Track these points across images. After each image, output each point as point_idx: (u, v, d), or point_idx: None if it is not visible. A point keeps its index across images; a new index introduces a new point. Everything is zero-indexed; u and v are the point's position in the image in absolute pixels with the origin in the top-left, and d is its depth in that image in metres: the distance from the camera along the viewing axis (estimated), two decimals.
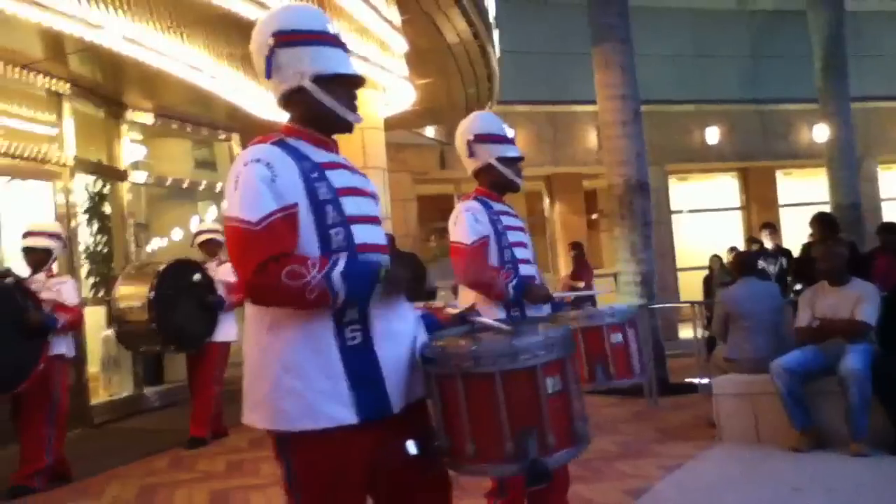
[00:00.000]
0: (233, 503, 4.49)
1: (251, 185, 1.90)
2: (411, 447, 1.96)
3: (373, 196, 2.17)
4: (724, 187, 17.17)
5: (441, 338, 2.13)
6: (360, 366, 1.93)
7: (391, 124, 9.69)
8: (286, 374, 1.91)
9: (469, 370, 1.90)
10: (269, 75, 2.06)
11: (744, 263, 6.11)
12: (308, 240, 1.93)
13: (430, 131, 13.28)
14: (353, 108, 2.11)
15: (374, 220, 2.11)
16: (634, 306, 3.87)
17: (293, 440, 1.93)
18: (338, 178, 2.03)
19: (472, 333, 2.21)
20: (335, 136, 2.15)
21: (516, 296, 3.29)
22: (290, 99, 2.08)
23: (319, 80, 2.03)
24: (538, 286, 3.36)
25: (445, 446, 1.97)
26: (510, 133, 3.46)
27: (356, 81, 2.13)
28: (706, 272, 11.79)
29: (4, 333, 4.54)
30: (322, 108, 2.05)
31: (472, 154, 3.43)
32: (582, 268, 10.97)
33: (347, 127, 2.13)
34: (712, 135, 15.68)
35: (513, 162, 3.44)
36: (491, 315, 2.84)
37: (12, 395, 4.84)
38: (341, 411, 1.89)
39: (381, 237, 2.13)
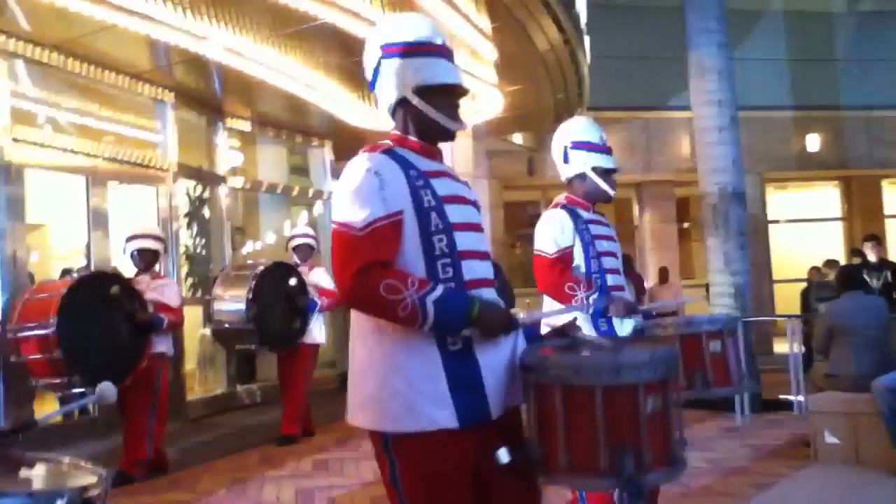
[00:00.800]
0: (319, 501, 4.59)
1: (359, 191, 1.97)
2: (503, 455, 1.96)
3: (475, 204, 2.20)
4: (825, 197, 16.46)
5: (542, 347, 2.13)
6: (461, 371, 1.97)
7: (480, 131, 9.73)
8: (391, 375, 1.96)
9: (570, 381, 1.89)
10: (372, 86, 2.14)
11: (848, 276, 5.85)
12: (412, 246, 1.98)
13: (518, 138, 13.25)
14: (456, 117, 2.15)
15: (476, 228, 2.14)
16: (734, 315, 3.76)
17: (396, 441, 1.97)
18: (442, 187, 2.08)
19: (572, 346, 2.19)
20: (440, 145, 2.19)
21: (598, 309, 3.24)
22: (396, 109, 2.14)
23: (422, 90, 2.08)
24: (622, 298, 3.31)
25: (538, 455, 1.96)
26: (607, 142, 3.42)
27: (458, 90, 2.16)
28: (803, 285, 11.32)
29: (115, 333, 4.77)
30: (425, 119, 2.10)
31: (567, 160, 3.40)
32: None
33: (450, 136, 2.17)
34: (813, 142, 15.06)
35: (608, 173, 3.40)
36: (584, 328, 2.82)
37: (119, 388, 5.09)
38: (442, 414, 1.93)
39: (483, 244, 2.16)
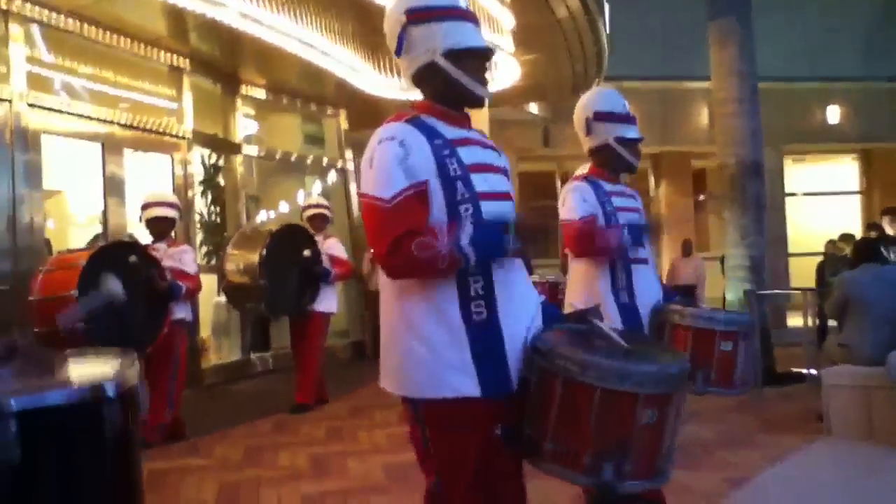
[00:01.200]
0: (332, 467, 4.64)
1: (385, 163, 1.96)
2: (499, 430, 1.98)
3: (504, 171, 2.18)
4: (844, 170, 16.28)
5: (556, 331, 2.12)
6: (485, 341, 1.97)
7: (495, 101, 9.65)
8: (416, 343, 1.98)
9: (572, 375, 1.89)
10: (399, 53, 2.10)
11: (865, 249, 5.79)
12: (438, 215, 1.98)
13: (533, 108, 13.15)
14: (484, 82, 2.12)
15: (504, 196, 2.12)
16: (749, 317, 3.75)
17: (425, 407, 1.99)
18: (468, 155, 2.06)
19: (587, 336, 2.17)
20: (468, 111, 2.17)
21: (618, 290, 3.23)
22: (423, 75, 2.11)
23: (450, 55, 2.05)
24: (645, 226, 3.32)
25: (527, 436, 1.97)
26: (631, 112, 3.38)
27: (486, 54, 2.14)
28: (819, 259, 11.24)
29: (135, 302, 4.79)
30: (454, 83, 2.07)
31: (589, 132, 3.36)
32: None
33: (479, 101, 2.14)
34: (833, 114, 14.86)
35: (631, 143, 3.36)
36: (604, 313, 2.82)
37: (140, 356, 5.15)
38: (466, 383, 1.95)
39: (511, 212, 2.14)
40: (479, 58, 2.12)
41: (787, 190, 15.33)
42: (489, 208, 2.03)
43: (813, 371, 6.63)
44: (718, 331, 3.16)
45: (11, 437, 1.34)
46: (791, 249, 14.81)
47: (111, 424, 1.48)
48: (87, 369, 1.77)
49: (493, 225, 1.97)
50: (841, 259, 10.26)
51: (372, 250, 2.04)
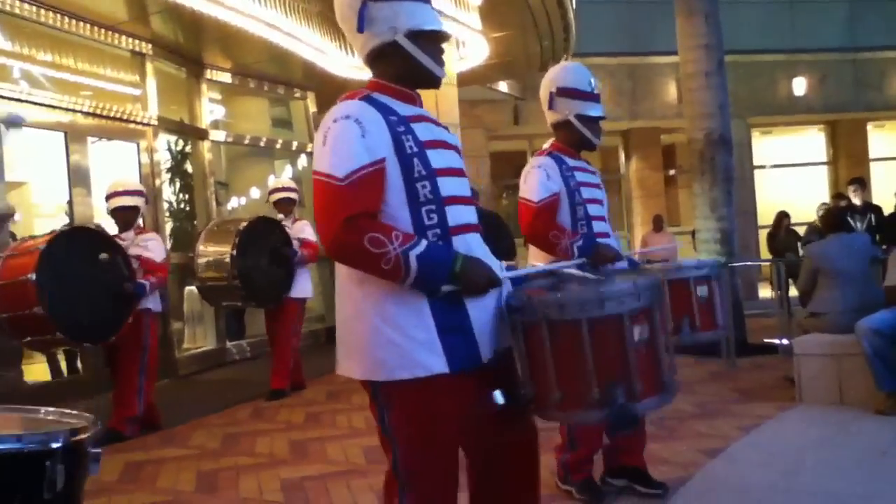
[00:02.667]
0: (311, 452, 4.63)
1: (340, 141, 1.94)
2: (498, 397, 1.99)
3: (456, 149, 2.18)
4: (811, 141, 16.46)
5: (527, 288, 2.13)
6: (449, 316, 1.97)
7: (464, 80, 9.61)
8: (380, 325, 1.96)
9: (554, 318, 1.90)
10: (361, 29, 2.07)
11: (833, 218, 5.87)
12: (395, 193, 1.96)
13: (503, 86, 13.11)
14: (441, 63, 2.14)
15: (459, 173, 2.13)
16: (721, 260, 3.80)
17: (389, 389, 1.98)
18: (423, 132, 2.05)
19: (555, 284, 2.19)
20: (419, 91, 2.17)
21: (582, 256, 3.24)
22: (381, 53, 2.10)
23: (412, 35, 2.05)
24: (606, 247, 3.30)
25: (531, 394, 1.98)
26: (597, 90, 3.37)
27: (444, 37, 2.16)
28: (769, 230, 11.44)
29: (99, 289, 4.72)
30: (413, 63, 2.08)
31: (552, 106, 3.37)
32: None
33: (436, 82, 2.15)
34: (800, 86, 15.00)
35: (593, 121, 3.36)
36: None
37: (106, 345, 5.07)
38: (435, 361, 1.94)
39: (467, 189, 2.15)
40: (437, 40, 2.13)
41: (755, 162, 15.47)
42: (446, 185, 2.02)
43: (784, 341, 6.73)
44: (692, 278, 3.21)
45: None
46: (761, 221, 14.99)
47: (51, 480, 1.42)
48: (39, 423, 1.70)
49: (445, 259, 1.93)
50: (788, 230, 10.52)
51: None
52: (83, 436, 1.49)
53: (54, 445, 1.43)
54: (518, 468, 2.12)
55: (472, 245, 2.05)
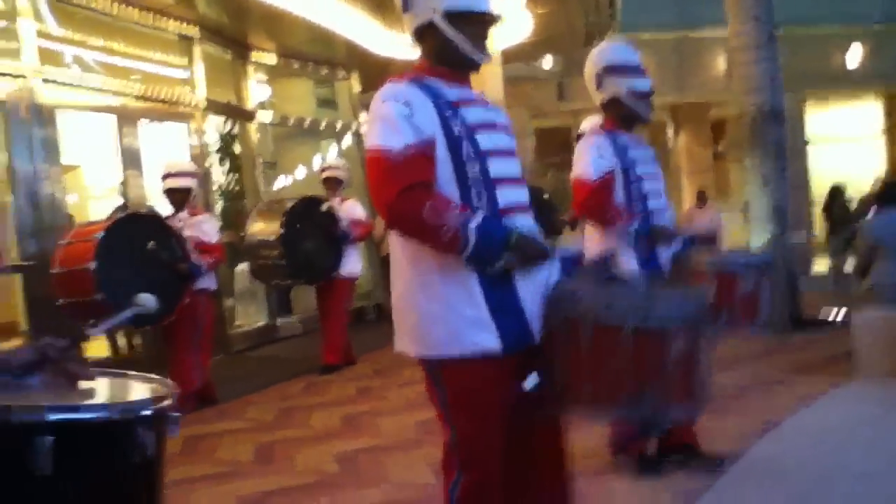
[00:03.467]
0: (363, 426, 4.69)
1: (390, 119, 1.95)
2: (529, 381, 1.98)
3: (506, 129, 2.16)
4: (866, 113, 15.99)
5: (575, 280, 2.12)
6: (501, 296, 1.97)
7: (508, 57, 9.53)
8: (432, 303, 1.97)
9: (599, 317, 1.90)
10: (405, 8, 2.08)
11: (889, 191, 5.73)
12: (444, 173, 1.97)
13: (547, 63, 12.98)
14: (482, 48, 2.09)
15: (509, 154, 2.11)
16: (769, 255, 3.75)
17: (443, 366, 1.99)
18: (471, 114, 2.04)
19: (604, 281, 2.18)
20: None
21: (638, 239, 3.21)
22: (422, 34, 2.09)
23: (451, 16, 2.02)
24: (662, 228, 3.28)
25: (562, 385, 1.97)
26: (643, 64, 3.33)
27: (489, 19, 2.10)
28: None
29: (155, 271, 4.81)
30: (451, 46, 2.05)
31: (600, 86, 3.33)
32: None
33: (475, 66, 2.12)
34: (854, 57, 14.54)
35: (643, 95, 3.32)
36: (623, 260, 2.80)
37: (163, 326, 5.18)
38: (486, 339, 1.95)
39: (517, 170, 2.14)
40: (480, 21, 2.08)
41: (807, 136, 15.09)
42: (495, 166, 2.02)
43: (840, 315, 6.59)
44: (738, 272, 3.16)
45: (45, 449, 1.32)
46: (813, 196, 14.64)
47: (141, 445, 1.45)
48: (123, 388, 1.74)
49: (501, 232, 1.94)
50: (842, 204, 10.24)
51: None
52: (167, 401, 1.52)
53: (144, 412, 1.46)
54: (545, 446, 2.12)
55: (523, 227, 2.04)
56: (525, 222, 2.06)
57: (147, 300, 2.01)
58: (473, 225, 1.87)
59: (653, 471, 3.38)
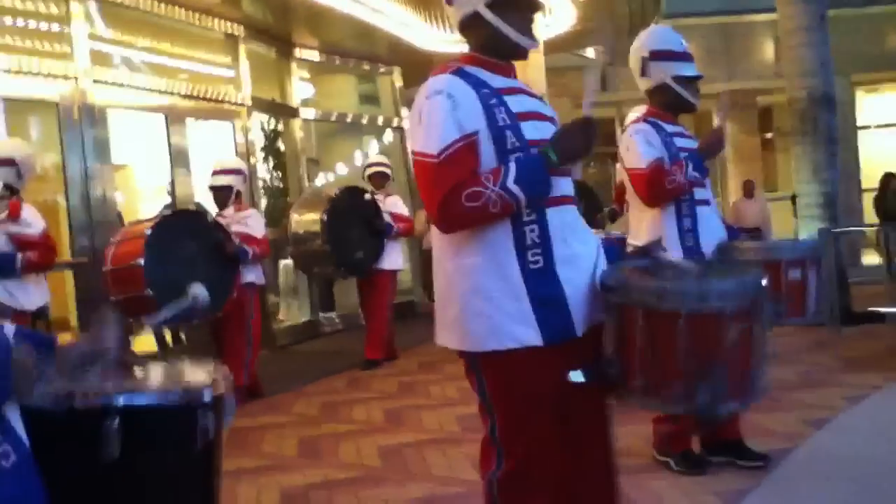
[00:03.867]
0: (406, 420, 4.73)
1: (432, 116, 1.95)
2: (577, 375, 1.96)
3: (552, 120, 2.14)
4: None
5: (624, 268, 2.09)
6: (544, 288, 1.95)
7: (551, 46, 9.46)
8: (474, 296, 1.97)
9: (653, 305, 1.85)
10: (450, 1, 2.08)
11: None
12: (489, 165, 1.95)
13: (590, 52, 12.84)
14: (529, 34, 2.07)
15: None
16: (818, 241, 3.65)
17: (484, 360, 1.99)
18: (516, 104, 2.03)
19: (653, 268, 2.13)
20: (513, 62, 2.13)
21: (683, 229, 3.17)
22: (468, 25, 2.08)
23: (495, 5, 2.01)
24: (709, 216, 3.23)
25: (615, 375, 1.95)
26: (689, 50, 3.27)
27: (534, 5, 2.09)
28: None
29: (204, 267, 4.91)
30: (496, 34, 2.04)
31: (645, 73, 3.28)
32: None
33: (523, 54, 2.10)
34: None
35: (690, 81, 3.26)
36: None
37: (213, 319, 5.28)
38: (527, 332, 1.94)
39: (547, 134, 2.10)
40: (525, 8, 2.07)
41: (858, 122, 14.68)
42: None
43: (893, 309, 6.42)
44: (784, 259, 3.09)
45: (113, 432, 1.38)
46: (864, 184, 14.25)
47: (204, 429, 1.51)
48: (180, 374, 1.81)
49: (531, 157, 1.93)
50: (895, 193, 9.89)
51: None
52: (225, 386, 1.59)
53: (206, 399, 1.52)
54: (592, 438, 2.09)
55: (568, 218, 2.02)
56: (571, 213, 2.05)
57: (200, 291, 2.09)
58: (511, 180, 1.87)
59: (697, 469, 3.33)
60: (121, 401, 1.41)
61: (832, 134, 7.63)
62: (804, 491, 3.17)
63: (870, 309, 7.04)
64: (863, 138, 14.73)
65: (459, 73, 2.02)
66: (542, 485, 2.01)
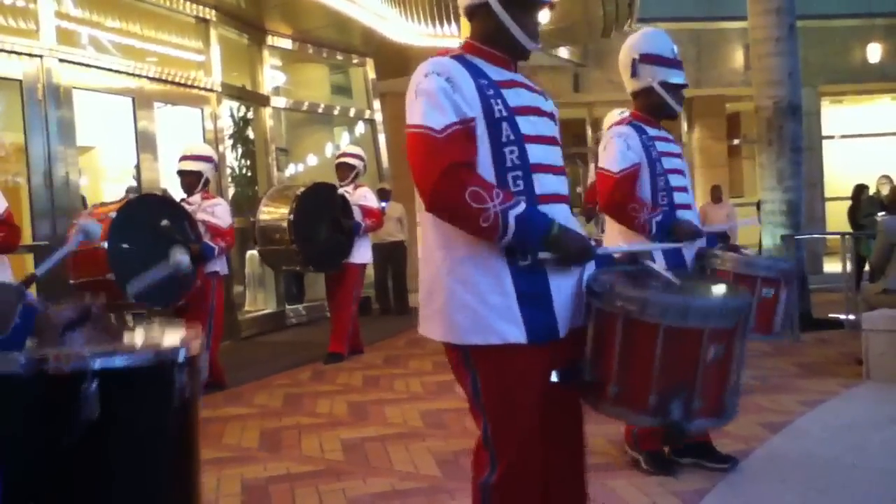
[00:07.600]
0: (370, 414, 4.71)
1: (432, 95, 1.92)
2: (553, 376, 1.96)
3: (551, 116, 2.13)
4: (884, 111, 15.81)
5: (610, 274, 2.08)
6: (530, 287, 1.95)
7: None
8: (460, 288, 1.95)
9: (634, 315, 1.84)
10: None
11: None
12: (483, 155, 1.94)
13: (563, 52, 12.89)
14: (535, 35, 2.07)
15: (550, 141, 2.08)
16: (792, 264, 3.70)
17: (473, 353, 1.98)
18: (514, 97, 2.02)
19: (639, 276, 2.12)
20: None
21: (659, 231, 3.19)
22: (475, 12, 2.07)
23: (507, 0, 2.01)
24: (687, 223, 3.25)
25: (589, 381, 1.95)
26: (678, 56, 3.30)
27: (542, 5, 2.09)
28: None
29: (165, 255, 4.82)
30: (501, 28, 2.03)
31: (634, 74, 3.30)
32: None
33: (525, 54, 2.09)
34: (874, 52, 14.36)
35: (676, 88, 3.29)
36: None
37: (174, 308, 5.21)
38: (511, 330, 1.93)
39: (558, 158, 2.10)
40: (533, 9, 2.07)
41: (823, 132, 14.95)
42: (534, 152, 1.99)
43: (851, 316, 6.55)
44: (760, 277, 3.13)
45: (92, 394, 1.42)
46: (827, 193, 14.53)
47: (180, 388, 1.56)
48: (157, 337, 1.88)
49: (543, 223, 1.90)
50: (876, 202, 10.08)
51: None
52: (199, 347, 1.64)
53: (181, 358, 1.57)
54: (564, 436, 2.10)
55: (559, 216, 1.99)
56: (563, 212, 2.03)
57: (182, 257, 2.11)
58: (514, 213, 1.85)
59: (665, 470, 3.37)
60: (97, 363, 1.46)
61: (797, 143, 7.76)
62: (760, 492, 3.22)
63: (830, 315, 7.19)
64: (827, 148, 15.01)
65: (460, 59, 2.01)
66: (532, 488, 2.00)
